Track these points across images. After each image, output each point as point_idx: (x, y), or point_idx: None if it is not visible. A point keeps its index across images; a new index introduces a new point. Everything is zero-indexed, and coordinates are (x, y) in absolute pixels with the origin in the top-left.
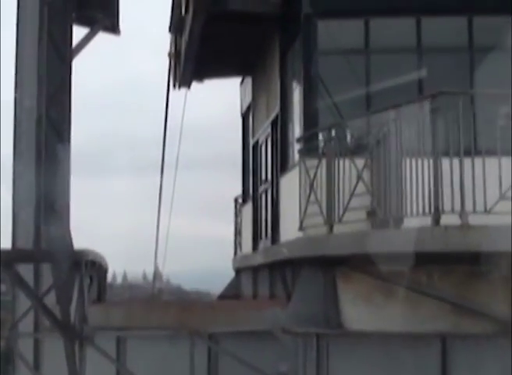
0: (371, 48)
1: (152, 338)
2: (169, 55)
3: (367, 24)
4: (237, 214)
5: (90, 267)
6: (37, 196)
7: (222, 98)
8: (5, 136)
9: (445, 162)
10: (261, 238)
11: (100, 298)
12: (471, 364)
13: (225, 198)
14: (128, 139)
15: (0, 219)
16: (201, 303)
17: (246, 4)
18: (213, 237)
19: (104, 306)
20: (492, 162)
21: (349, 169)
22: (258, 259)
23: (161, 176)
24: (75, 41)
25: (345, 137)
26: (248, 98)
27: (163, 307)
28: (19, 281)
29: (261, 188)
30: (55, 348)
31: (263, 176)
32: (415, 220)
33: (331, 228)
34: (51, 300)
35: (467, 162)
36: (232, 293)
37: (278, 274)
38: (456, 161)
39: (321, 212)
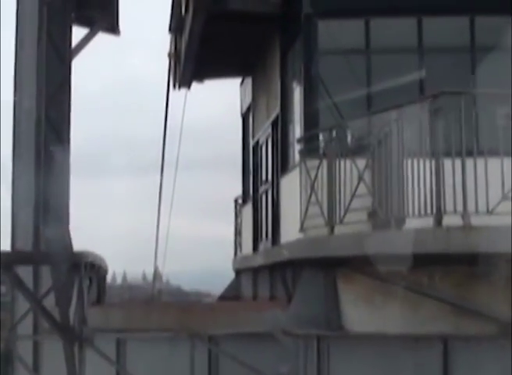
0: (372, 48)
1: (152, 340)
2: (169, 55)
3: (367, 24)
4: (237, 215)
5: (90, 269)
6: (37, 197)
7: (222, 98)
8: (4, 137)
9: (447, 163)
10: (261, 239)
11: (99, 299)
12: (472, 365)
13: (226, 199)
14: (127, 139)
15: (0, 220)
16: (201, 305)
17: (246, 4)
18: (213, 237)
19: (103, 308)
20: (494, 163)
21: (350, 169)
22: (259, 260)
23: (161, 177)
24: (74, 41)
25: (346, 137)
26: (248, 99)
27: (163, 309)
28: (19, 283)
29: (262, 189)
30: (54, 350)
31: (263, 177)
32: (417, 221)
33: (332, 229)
34: (50, 302)
35: (469, 162)
36: (232, 294)
37: (278, 275)
38: (458, 161)
39: (322, 213)
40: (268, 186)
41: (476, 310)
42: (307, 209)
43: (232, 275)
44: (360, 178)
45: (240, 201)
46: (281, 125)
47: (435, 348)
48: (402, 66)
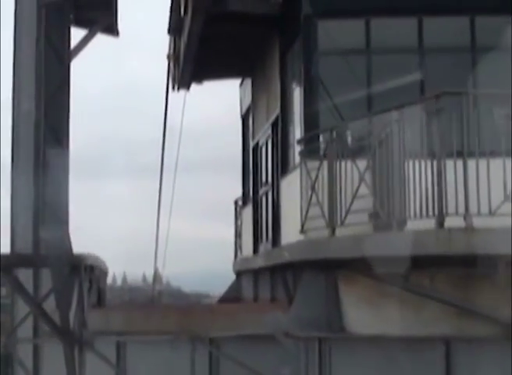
0: (372, 48)
1: (152, 343)
2: (168, 56)
3: (367, 24)
4: (237, 216)
5: (90, 271)
6: (36, 200)
7: (221, 99)
8: (3, 138)
9: (448, 164)
10: (261, 241)
11: (100, 302)
12: (475, 367)
13: (225, 201)
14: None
15: (0, 223)
16: (202, 307)
17: (245, 5)
18: (213, 239)
19: (103, 311)
20: (496, 164)
21: (351, 170)
22: (259, 262)
23: (161, 179)
24: (73, 42)
25: (346, 138)
26: (248, 100)
27: (163, 311)
28: (18, 286)
29: (262, 190)
30: (54, 354)
31: (263, 179)
32: (419, 223)
33: (333, 231)
34: (50, 305)
35: (471, 163)
36: (232, 296)
37: (279, 277)
38: (459, 162)
39: (323, 215)
40: (269, 187)
41: (478, 312)
42: (307, 211)
43: (232, 276)
44: (361, 179)
45: (240, 202)
46: (281, 126)
47: (438, 350)
48: (402, 67)
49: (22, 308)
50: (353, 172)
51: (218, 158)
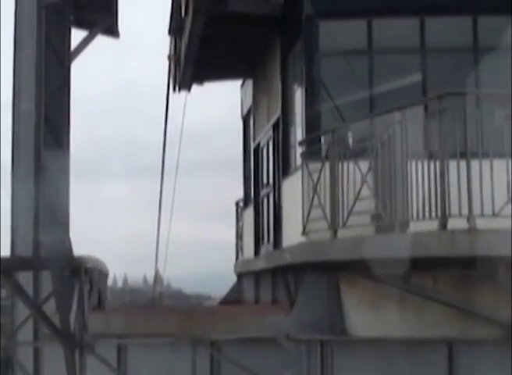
0: (374, 48)
1: (153, 346)
2: (169, 57)
3: (369, 25)
4: (238, 218)
5: (90, 274)
6: (36, 202)
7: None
8: (3, 140)
9: (451, 165)
10: (262, 243)
11: (100, 304)
12: (477, 370)
13: (226, 202)
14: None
15: (0, 225)
16: (203, 309)
17: (246, 5)
18: (214, 240)
19: (104, 313)
20: (499, 164)
21: (353, 172)
22: (260, 264)
23: (162, 180)
24: (73, 43)
25: (348, 139)
26: (249, 101)
27: (164, 314)
28: (18, 289)
29: (263, 192)
30: (54, 357)
31: (264, 180)
32: (421, 224)
33: (335, 233)
34: (50, 308)
35: (475, 164)
36: (234, 298)
37: (280, 279)
38: (463, 163)
39: (325, 217)
40: (270, 189)
41: (481, 314)
42: (309, 212)
43: (233, 278)
44: (364, 181)
45: (241, 204)
46: (282, 127)
47: (440, 352)
48: (404, 67)
49: (22, 310)
50: (355, 173)
51: (219, 159)
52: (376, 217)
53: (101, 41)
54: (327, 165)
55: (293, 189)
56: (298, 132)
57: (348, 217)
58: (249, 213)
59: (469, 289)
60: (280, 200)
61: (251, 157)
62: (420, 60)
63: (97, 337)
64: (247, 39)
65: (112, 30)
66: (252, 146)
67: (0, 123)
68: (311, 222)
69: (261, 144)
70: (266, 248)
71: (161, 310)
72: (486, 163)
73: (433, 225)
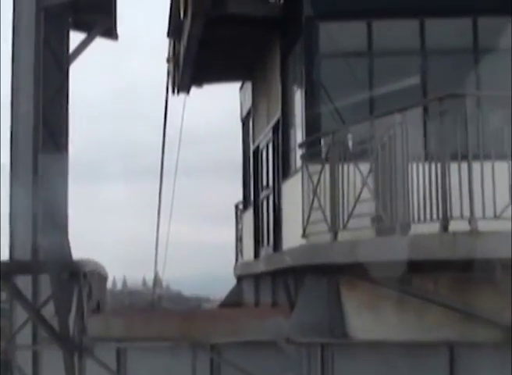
0: (374, 50)
1: (153, 349)
2: (168, 60)
3: (369, 26)
4: (238, 221)
5: (89, 277)
6: (35, 206)
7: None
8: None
9: (452, 166)
10: (262, 245)
11: (99, 307)
12: (479, 373)
13: (226, 204)
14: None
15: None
16: (203, 312)
17: (245, 7)
18: (213, 242)
19: (103, 317)
20: (501, 166)
21: (353, 174)
22: (260, 267)
23: (161, 183)
24: (72, 46)
25: (348, 141)
26: (248, 103)
27: (164, 317)
28: (17, 293)
29: (263, 194)
30: (53, 360)
31: (264, 182)
32: (423, 227)
33: (335, 235)
34: (49, 311)
35: (476, 166)
36: (233, 301)
37: (280, 282)
38: (464, 165)
39: (325, 219)
40: (270, 191)
41: (482, 316)
42: (309, 215)
43: (232, 280)
44: (364, 183)
45: (240, 206)
46: (282, 129)
47: (441, 355)
48: (404, 69)
49: (21, 314)
50: (355, 175)
51: (219, 161)
52: (377, 219)
53: (100, 43)
54: (327, 167)
55: (293, 191)
56: (298, 134)
57: (348, 219)
58: (249, 216)
59: (470, 291)
60: (280, 202)
61: (251, 159)
62: (420, 62)
63: (96, 340)
64: (246, 41)
65: (111, 33)
66: (252, 148)
67: None
68: (311, 224)
69: (261, 147)
70: (266, 250)
71: (160, 313)
72: (488, 165)
73: (434, 227)
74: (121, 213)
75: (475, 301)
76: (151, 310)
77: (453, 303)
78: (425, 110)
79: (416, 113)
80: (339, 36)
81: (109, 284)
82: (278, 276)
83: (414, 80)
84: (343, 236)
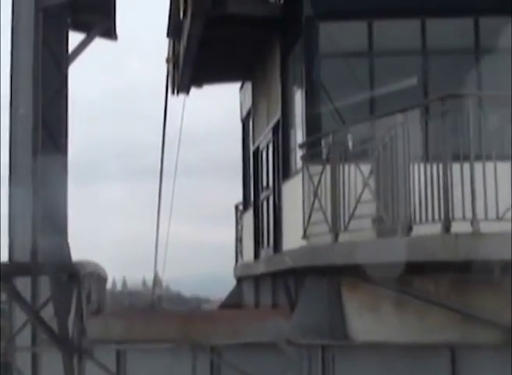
0: (375, 50)
1: (153, 351)
2: (167, 60)
3: (370, 26)
4: (238, 221)
5: (89, 278)
6: (34, 207)
7: (221, 103)
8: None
9: (455, 167)
10: (262, 246)
11: (99, 309)
12: (480, 374)
13: (225, 205)
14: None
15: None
16: (203, 314)
17: (245, 7)
18: (213, 243)
19: (103, 318)
20: (503, 167)
21: (354, 175)
22: (261, 268)
23: (161, 183)
24: (71, 46)
25: (349, 142)
26: (248, 103)
27: (164, 318)
28: (16, 295)
29: (263, 195)
30: (53, 362)
31: (264, 183)
32: (424, 228)
33: (336, 236)
34: (49, 313)
35: (478, 166)
36: (233, 302)
37: (281, 283)
38: (466, 166)
39: (326, 220)
40: (270, 192)
41: (483, 318)
42: (310, 216)
43: (232, 280)
44: (365, 184)
45: (240, 207)
46: (282, 130)
47: (443, 356)
48: (405, 69)
49: (20, 316)
50: (356, 176)
51: (218, 162)
52: (378, 220)
53: (99, 43)
54: (328, 167)
55: (293, 192)
56: (298, 134)
57: (349, 221)
58: (249, 216)
59: (471, 293)
60: (280, 203)
61: (251, 160)
62: (421, 62)
63: (95, 342)
64: (246, 41)
65: (110, 33)
66: (251, 149)
67: None
68: (311, 225)
69: (261, 147)
70: (266, 251)
71: (160, 315)
72: (490, 166)
73: (436, 228)
74: (120, 213)
75: (476, 302)
76: (150, 311)
77: (454, 304)
78: (426, 110)
79: (417, 114)
80: (339, 36)
81: (109, 285)
82: (278, 277)
83: (415, 80)
84: (343, 237)
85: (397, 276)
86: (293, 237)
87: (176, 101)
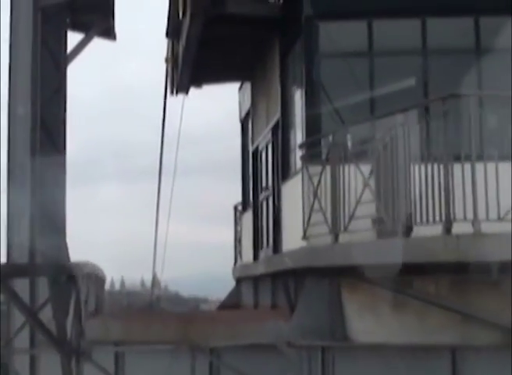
0: (375, 50)
1: (152, 353)
2: (166, 60)
3: (370, 26)
4: (237, 222)
5: (87, 279)
6: (32, 208)
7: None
8: None
9: (456, 168)
10: (261, 247)
11: (97, 310)
12: None
13: (224, 205)
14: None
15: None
16: (202, 315)
17: (244, 7)
18: (211, 243)
19: (101, 319)
20: (505, 167)
21: (354, 175)
22: (260, 269)
23: (159, 183)
24: (70, 46)
25: (348, 142)
26: (247, 103)
27: (162, 320)
28: (14, 297)
29: (262, 196)
30: (51, 364)
31: (263, 184)
32: (425, 229)
33: (336, 237)
34: (47, 314)
35: (480, 167)
36: (232, 303)
37: (280, 284)
38: (467, 166)
39: (326, 221)
40: (269, 193)
41: (484, 319)
42: (310, 217)
43: (231, 280)
44: (366, 184)
45: (239, 208)
46: (281, 130)
47: (444, 358)
48: (405, 69)
49: (18, 317)
50: (356, 177)
51: (217, 162)
52: (378, 221)
53: (98, 43)
54: (328, 168)
55: (293, 193)
56: (298, 135)
57: (349, 221)
58: (248, 217)
59: (472, 294)
60: (280, 204)
61: (250, 160)
62: (421, 62)
63: (94, 344)
64: (246, 41)
65: (109, 33)
66: (251, 149)
67: None
68: (311, 226)
69: (260, 147)
70: (265, 252)
71: (159, 316)
72: (491, 166)
73: (437, 229)
74: (119, 213)
75: (477, 303)
76: (149, 311)
77: (454, 305)
78: (427, 110)
79: (418, 114)
80: (339, 36)
81: (107, 285)
82: (278, 278)
83: (413, 81)
84: (343, 238)
85: (397, 277)
86: (292, 238)
87: (175, 101)
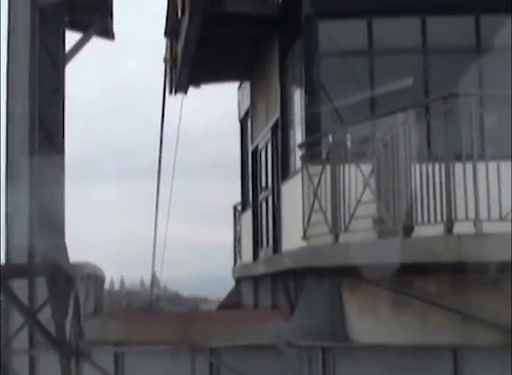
0: (375, 49)
1: (151, 353)
2: (165, 59)
3: (370, 25)
4: (236, 222)
5: (87, 280)
6: (31, 208)
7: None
8: None
9: (457, 167)
10: (261, 247)
11: (97, 310)
12: None
13: (223, 205)
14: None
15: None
16: (202, 315)
17: (244, 5)
18: (211, 242)
19: (101, 320)
20: (507, 167)
21: (354, 175)
22: (260, 269)
23: (158, 183)
24: (68, 46)
25: (348, 141)
26: (246, 103)
27: (162, 320)
28: (13, 297)
29: (262, 195)
30: (50, 365)
31: (263, 183)
32: (426, 229)
33: (336, 237)
34: (46, 315)
35: (481, 166)
36: (232, 302)
37: (280, 284)
38: (469, 165)
39: (326, 221)
40: (269, 192)
41: (485, 319)
42: (310, 217)
43: (230, 280)
44: (366, 184)
45: (239, 208)
46: (281, 129)
47: (445, 358)
48: (406, 68)
49: (17, 318)
50: (356, 176)
51: (217, 162)
52: (379, 221)
53: (96, 43)
54: (328, 168)
55: (292, 193)
56: (298, 134)
57: (350, 221)
58: (247, 217)
59: (472, 294)
60: (279, 204)
61: (249, 160)
62: (421, 60)
63: (93, 344)
64: (245, 40)
65: (107, 32)
66: (250, 149)
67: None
68: (311, 226)
69: (260, 147)
70: (265, 252)
71: (159, 316)
72: (493, 165)
73: (438, 229)
74: (118, 213)
75: (477, 303)
76: (149, 311)
77: (455, 306)
78: (427, 110)
79: (418, 113)
80: (338, 34)
81: (107, 285)
82: (278, 278)
83: (415, 79)
84: (344, 238)
85: (398, 278)
86: (292, 238)
87: (174, 100)
